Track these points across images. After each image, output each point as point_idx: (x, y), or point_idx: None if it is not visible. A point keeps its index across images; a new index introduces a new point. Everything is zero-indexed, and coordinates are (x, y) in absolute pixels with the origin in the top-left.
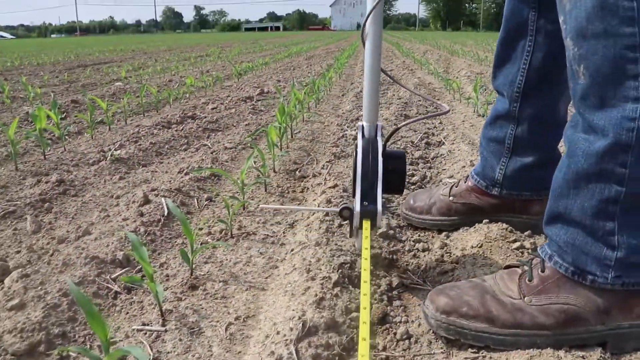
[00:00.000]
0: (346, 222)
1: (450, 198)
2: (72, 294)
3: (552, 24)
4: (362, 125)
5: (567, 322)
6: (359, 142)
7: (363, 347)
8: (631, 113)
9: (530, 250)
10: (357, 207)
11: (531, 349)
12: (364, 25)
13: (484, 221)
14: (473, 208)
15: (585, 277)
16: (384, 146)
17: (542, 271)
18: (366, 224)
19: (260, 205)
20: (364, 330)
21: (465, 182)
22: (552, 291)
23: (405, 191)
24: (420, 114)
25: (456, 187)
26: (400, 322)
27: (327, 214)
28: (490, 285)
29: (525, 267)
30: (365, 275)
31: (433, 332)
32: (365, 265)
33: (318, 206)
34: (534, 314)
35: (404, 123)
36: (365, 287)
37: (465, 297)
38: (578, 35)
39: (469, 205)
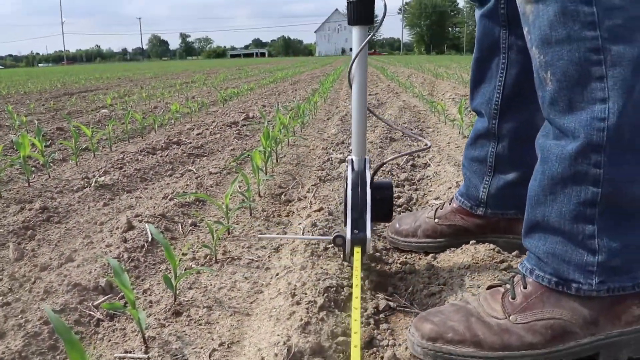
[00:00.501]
0: (339, 248)
1: (436, 220)
2: (52, 322)
3: (523, 39)
4: (352, 159)
5: (555, 338)
6: (349, 174)
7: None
8: (600, 113)
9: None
10: (348, 235)
11: None
12: (350, 68)
13: (471, 242)
14: (458, 229)
15: (569, 286)
16: (372, 178)
17: (525, 287)
18: (357, 250)
19: (258, 235)
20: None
21: (450, 204)
22: (537, 307)
23: None
24: (405, 137)
25: (441, 209)
26: (387, 345)
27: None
28: (474, 308)
29: (508, 286)
30: (357, 303)
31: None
32: (356, 293)
33: (305, 231)
34: (521, 333)
35: (389, 159)
36: (356, 313)
37: (450, 322)
38: (543, 43)
39: (454, 226)
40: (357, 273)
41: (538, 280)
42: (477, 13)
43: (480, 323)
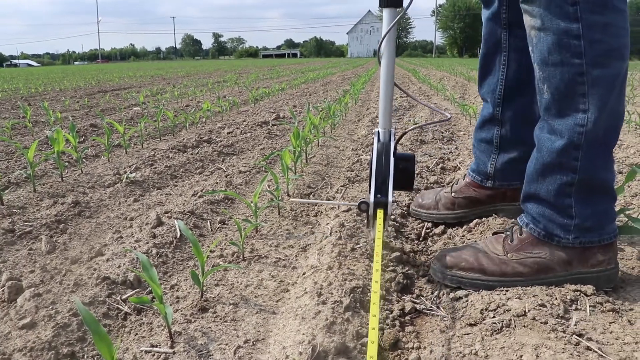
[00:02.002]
0: (364, 214)
1: (452, 194)
2: (81, 314)
3: (521, 40)
4: (378, 131)
5: (539, 271)
6: (375, 145)
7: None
8: (581, 121)
9: None
10: (372, 199)
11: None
12: (380, 46)
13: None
14: (472, 200)
15: (553, 238)
16: (395, 148)
17: (521, 234)
18: (380, 213)
19: (290, 199)
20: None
21: (463, 179)
22: (528, 249)
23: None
24: (435, 139)
25: (456, 184)
26: (412, 348)
27: (340, 238)
28: (482, 247)
29: (508, 232)
30: (377, 265)
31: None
32: (377, 250)
33: (332, 232)
34: (515, 265)
35: (411, 127)
36: (377, 275)
37: (463, 256)
38: (542, 63)
39: (468, 198)
40: (380, 235)
41: (531, 232)
42: (484, 15)
43: (486, 257)
